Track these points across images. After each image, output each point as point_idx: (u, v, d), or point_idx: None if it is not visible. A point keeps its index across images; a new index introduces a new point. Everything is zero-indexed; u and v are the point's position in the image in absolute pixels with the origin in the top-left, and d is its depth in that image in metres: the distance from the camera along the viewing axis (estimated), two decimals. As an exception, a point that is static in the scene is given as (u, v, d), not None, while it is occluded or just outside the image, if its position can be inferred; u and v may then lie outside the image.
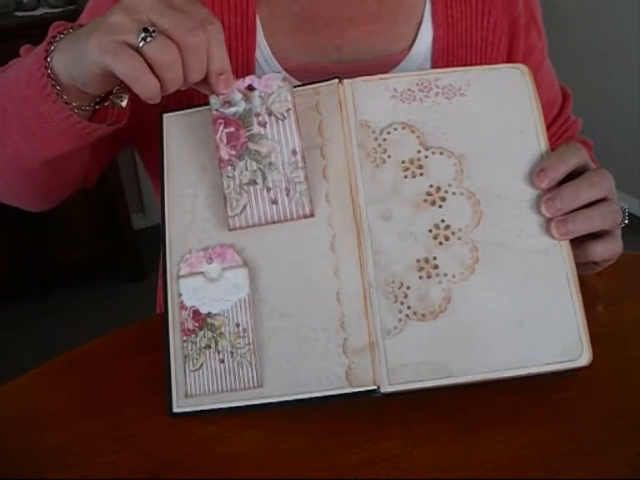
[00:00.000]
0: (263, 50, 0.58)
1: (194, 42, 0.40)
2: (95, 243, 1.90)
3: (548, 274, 0.44)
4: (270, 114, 0.45)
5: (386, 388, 0.42)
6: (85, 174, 0.61)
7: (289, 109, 0.45)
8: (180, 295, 0.46)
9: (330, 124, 0.47)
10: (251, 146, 0.43)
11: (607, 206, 0.46)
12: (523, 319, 0.43)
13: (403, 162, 0.46)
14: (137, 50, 0.40)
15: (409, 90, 0.48)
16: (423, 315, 0.43)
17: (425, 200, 0.45)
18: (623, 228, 0.51)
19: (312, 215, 0.44)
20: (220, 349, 0.45)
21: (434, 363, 0.43)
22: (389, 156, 0.46)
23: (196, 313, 0.45)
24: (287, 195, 0.42)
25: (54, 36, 0.47)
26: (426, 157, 0.46)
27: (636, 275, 0.58)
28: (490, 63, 0.61)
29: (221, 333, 0.45)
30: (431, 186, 0.46)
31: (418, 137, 0.46)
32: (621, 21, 2.06)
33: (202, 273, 0.46)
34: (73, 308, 1.84)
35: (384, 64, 0.59)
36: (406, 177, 0.46)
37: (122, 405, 0.46)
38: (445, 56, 0.60)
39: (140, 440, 0.43)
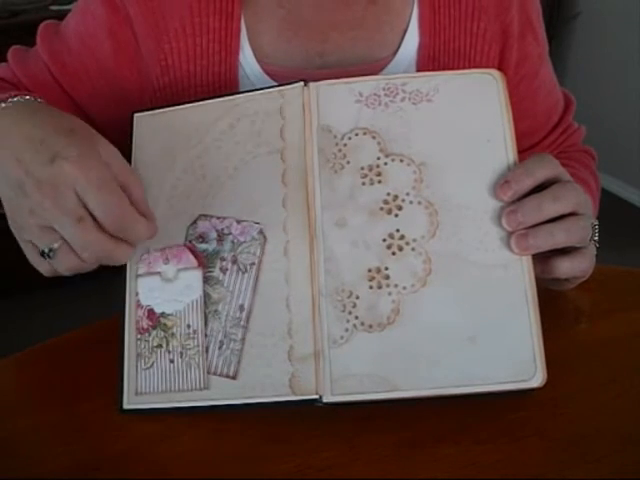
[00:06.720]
0: (246, 54, 0.58)
1: (80, 244, 0.41)
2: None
3: (505, 290, 0.43)
4: (234, 262, 0.45)
5: (329, 398, 0.42)
6: None
7: (253, 264, 0.45)
8: (137, 294, 0.47)
9: (292, 128, 0.47)
10: (205, 288, 0.45)
11: (574, 222, 0.44)
12: (475, 335, 0.42)
13: (362, 168, 0.45)
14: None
15: (375, 95, 0.47)
16: (370, 326, 0.42)
17: (381, 208, 0.44)
18: (623, 227, 0.48)
19: (235, 378, 0.43)
20: (171, 349, 0.45)
21: (379, 376, 0.42)
22: (348, 162, 0.45)
23: (151, 312, 0.46)
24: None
25: (12, 96, 0.46)
26: (385, 164, 0.45)
27: (622, 292, 0.55)
28: None
29: (172, 333, 0.45)
30: (388, 194, 0.44)
31: (379, 143, 0.45)
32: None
33: (159, 273, 0.46)
34: (101, 296, 1.89)
35: (367, 70, 0.57)
36: (364, 184, 0.45)
37: (78, 399, 0.47)
38: (430, 63, 0.58)
39: (88, 435, 0.44)
